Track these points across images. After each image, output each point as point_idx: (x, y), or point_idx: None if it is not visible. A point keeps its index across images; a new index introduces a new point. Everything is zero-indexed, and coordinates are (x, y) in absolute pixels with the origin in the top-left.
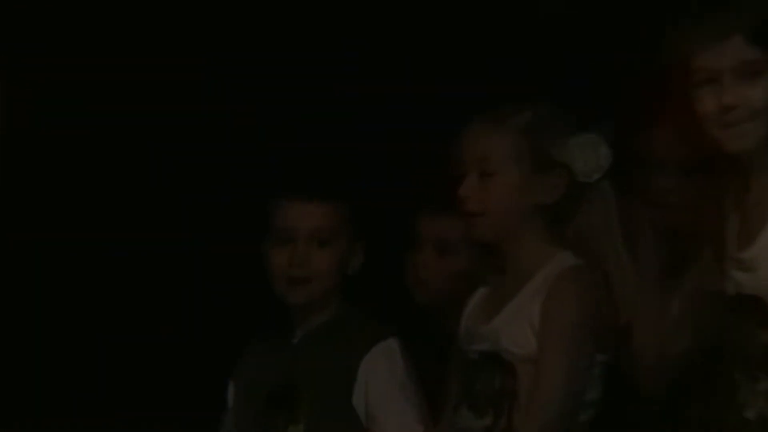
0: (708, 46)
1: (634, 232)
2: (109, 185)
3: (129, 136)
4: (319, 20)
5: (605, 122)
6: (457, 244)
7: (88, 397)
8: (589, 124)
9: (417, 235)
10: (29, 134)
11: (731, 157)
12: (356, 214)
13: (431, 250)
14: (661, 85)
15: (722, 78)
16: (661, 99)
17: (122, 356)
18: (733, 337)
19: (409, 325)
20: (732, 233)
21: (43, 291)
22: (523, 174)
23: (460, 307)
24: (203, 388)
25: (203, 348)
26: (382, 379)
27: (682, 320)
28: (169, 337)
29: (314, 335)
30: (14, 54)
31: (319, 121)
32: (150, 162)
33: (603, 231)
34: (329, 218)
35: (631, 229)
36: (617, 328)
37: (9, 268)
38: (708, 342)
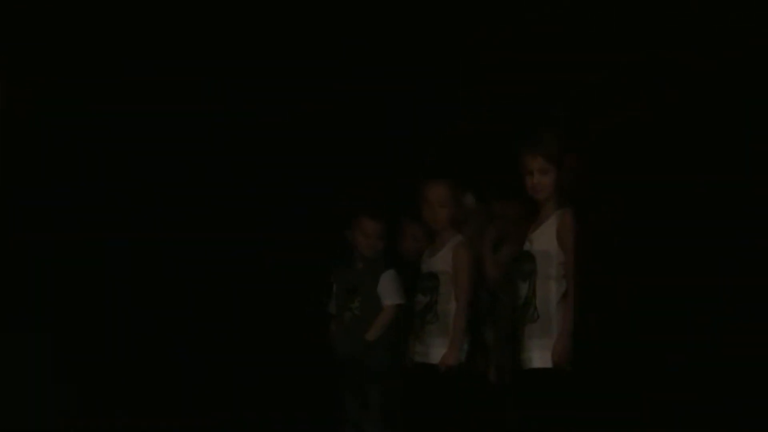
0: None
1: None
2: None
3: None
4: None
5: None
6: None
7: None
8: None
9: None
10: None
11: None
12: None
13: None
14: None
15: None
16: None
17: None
18: (510, 268)
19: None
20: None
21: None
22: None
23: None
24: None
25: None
26: (385, 283)
27: (503, 263)
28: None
29: (365, 266)
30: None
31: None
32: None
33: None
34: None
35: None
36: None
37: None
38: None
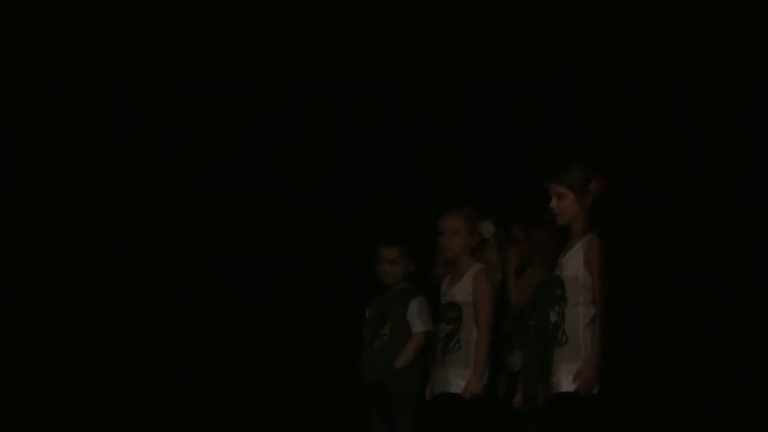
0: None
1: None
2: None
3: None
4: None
5: None
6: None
7: None
8: None
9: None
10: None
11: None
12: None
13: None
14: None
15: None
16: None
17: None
18: (540, 293)
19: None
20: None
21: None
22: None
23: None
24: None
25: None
26: (414, 310)
27: (527, 287)
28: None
29: (395, 293)
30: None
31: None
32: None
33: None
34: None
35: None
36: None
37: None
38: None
